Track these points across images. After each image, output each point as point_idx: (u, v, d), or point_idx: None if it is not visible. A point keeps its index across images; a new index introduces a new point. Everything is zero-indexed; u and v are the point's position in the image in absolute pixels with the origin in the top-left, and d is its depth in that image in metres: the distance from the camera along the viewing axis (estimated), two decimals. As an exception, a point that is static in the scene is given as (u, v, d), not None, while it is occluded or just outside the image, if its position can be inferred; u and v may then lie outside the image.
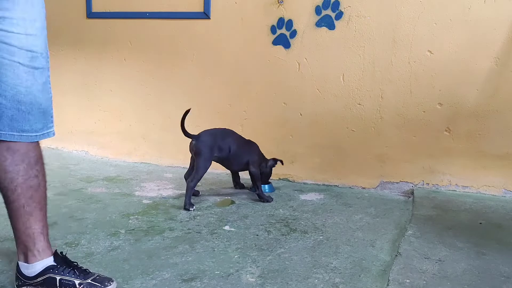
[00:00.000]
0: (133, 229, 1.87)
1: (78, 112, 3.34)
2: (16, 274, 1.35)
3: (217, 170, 2.92)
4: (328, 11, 2.57)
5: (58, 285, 1.29)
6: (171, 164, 3.05)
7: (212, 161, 2.29)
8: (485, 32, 2.30)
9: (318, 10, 2.58)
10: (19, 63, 1.20)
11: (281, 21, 2.68)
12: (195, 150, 2.24)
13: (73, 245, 1.68)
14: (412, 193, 2.44)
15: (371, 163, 2.60)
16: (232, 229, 1.91)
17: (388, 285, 1.37)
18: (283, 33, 2.69)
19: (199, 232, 1.86)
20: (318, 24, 2.60)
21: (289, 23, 2.67)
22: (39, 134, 1.29)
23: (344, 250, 1.70)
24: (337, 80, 2.61)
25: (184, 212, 2.12)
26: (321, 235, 1.86)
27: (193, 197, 2.28)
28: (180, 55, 2.97)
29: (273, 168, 2.48)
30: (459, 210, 2.14)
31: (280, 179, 2.79)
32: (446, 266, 1.52)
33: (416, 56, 2.43)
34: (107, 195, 2.36)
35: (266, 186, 2.57)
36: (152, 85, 3.09)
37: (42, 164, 1.31)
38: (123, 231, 1.85)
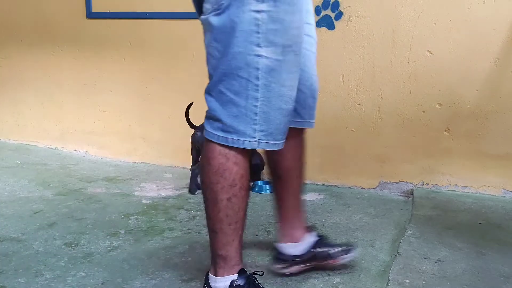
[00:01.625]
0: (132, 229, 1.87)
1: (77, 112, 3.33)
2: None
3: (216, 170, 2.92)
4: (328, 11, 2.57)
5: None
6: (170, 164, 3.04)
7: None
8: (485, 32, 2.30)
9: (317, 10, 2.58)
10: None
11: (280, 21, 2.68)
12: (200, 141, 2.29)
13: (73, 245, 1.68)
14: (412, 193, 2.44)
15: (370, 163, 2.60)
16: (232, 229, 1.91)
17: (387, 285, 1.37)
18: (282, 33, 2.69)
19: (198, 232, 1.86)
20: (318, 24, 2.60)
21: (289, 23, 2.66)
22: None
23: (344, 250, 1.70)
24: (337, 80, 2.61)
25: (184, 212, 2.12)
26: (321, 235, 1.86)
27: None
28: (180, 55, 2.97)
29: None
30: (458, 210, 2.14)
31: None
32: (446, 266, 1.52)
33: (416, 56, 2.43)
34: (107, 195, 2.36)
35: (267, 186, 2.57)
36: (152, 85, 3.09)
37: None
38: (122, 231, 1.84)
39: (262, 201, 2.34)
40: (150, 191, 2.46)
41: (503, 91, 2.33)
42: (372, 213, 2.16)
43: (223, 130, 1.08)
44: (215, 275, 1.20)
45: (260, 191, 2.54)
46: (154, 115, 3.10)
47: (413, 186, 2.53)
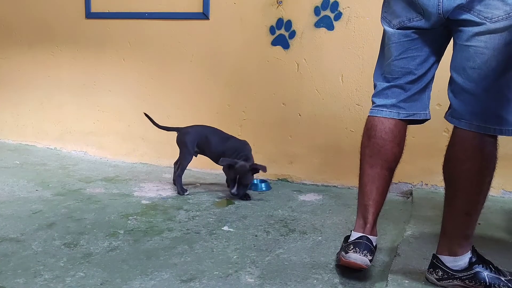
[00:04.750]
0: (132, 230, 1.87)
1: (76, 112, 3.33)
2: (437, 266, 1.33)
3: (215, 171, 2.92)
4: (327, 12, 2.57)
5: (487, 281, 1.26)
6: (170, 164, 3.03)
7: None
8: (484, 33, 2.30)
9: (317, 11, 2.59)
10: None
11: (280, 22, 2.69)
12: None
13: (72, 246, 1.68)
14: (411, 193, 2.45)
15: (370, 164, 2.60)
16: (231, 229, 1.91)
17: (387, 285, 1.37)
18: (282, 34, 2.69)
19: (198, 233, 1.86)
20: (317, 24, 2.60)
21: (288, 24, 2.67)
22: None
23: (343, 251, 1.70)
24: (336, 81, 2.61)
25: (183, 212, 2.12)
26: (320, 236, 1.86)
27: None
28: (179, 56, 2.97)
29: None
30: (457, 211, 2.14)
31: (278, 179, 2.79)
32: (445, 266, 1.52)
33: (415, 56, 2.43)
34: (106, 195, 2.35)
35: (263, 184, 2.57)
36: (151, 86, 3.09)
37: None
38: (122, 232, 1.84)
39: (262, 201, 2.35)
40: (149, 191, 2.46)
41: (502, 91, 2.33)
42: (371, 214, 2.16)
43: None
44: (455, 255, 1.28)
45: (256, 189, 2.55)
46: (154, 115, 3.09)
47: (412, 186, 2.53)
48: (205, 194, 2.45)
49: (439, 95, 2.43)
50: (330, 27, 2.58)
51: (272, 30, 2.71)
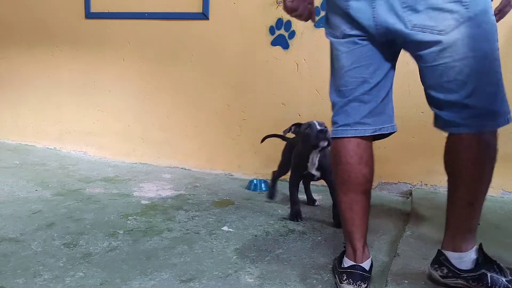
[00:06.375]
0: (131, 230, 1.87)
1: (76, 112, 3.33)
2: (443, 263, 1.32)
3: (215, 171, 2.92)
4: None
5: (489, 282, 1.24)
6: (169, 164, 3.04)
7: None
8: (484, 33, 2.30)
9: (317, 11, 2.59)
10: None
11: (279, 22, 2.69)
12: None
13: (72, 246, 1.68)
14: (411, 194, 2.45)
15: (369, 164, 2.60)
16: (231, 229, 1.91)
17: (386, 285, 1.37)
18: (281, 34, 2.69)
19: (197, 233, 1.86)
20: (317, 24, 2.60)
21: (288, 24, 2.67)
22: None
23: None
24: (336, 81, 2.61)
25: (183, 212, 2.12)
26: (320, 236, 1.86)
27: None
28: (179, 56, 2.97)
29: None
30: (457, 211, 2.14)
31: (278, 179, 2.78)
32: (445, 266, 1.52)
33: (415, 57, 2.43)
34: (106, 195, 2.35)
35: (263, 184, 2.57)
36: (151, 86, 3.09)
37: None
38: (121, 232, 1.84)
39: (261, 201, 2.34)
40: (149, 191, 2.46)
41: (502, 92, 2.33)
42: (371, 214, 2.15)
43: None
44: (460, 251, 1.28)
45: (256, 189, 2.55)
46: (153, 115, 3.10)
47: (412, 186, 2.53)
48: (205, 194, 2.45)
49: (438, 95, 2.45)
50: (330, 27, 2.58)
51: (271, 30, 2.71)
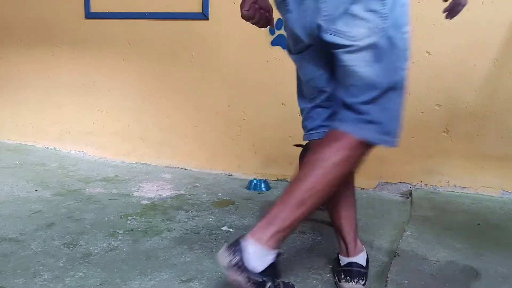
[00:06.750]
0: (131, 230, 1.87)
1: (76, 112, 3.33)
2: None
3: (215, 171, 2.92)
4: (327, 12, 2.57)
5: None
6: (169, 164, 3.04)
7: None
8: (483, 33, 2.30)
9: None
10: None
11: (279, 22, 2.68)
12: None
13: (71, 246, 1.68)
14: (410, 194, 2.45)
15: (369, 164, 2.58)
16: (231, 229, 1.91)
17: (386, 285, 1.37)
18: (281, 34, 2.69)
19: (197, 233, 1.86)
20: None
21: (288, 24, 2.66)
22: None
23: (343, 251, 1.70)
24: (336, 81, 2.61)
25: (183, 212, 2.12)
26: (319, 236, 1.86)
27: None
28: (179, 56, 2.97)
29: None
30: (457, 211, 2.14)
31: (278, 179, 2.79)
32: (444, 267, 1.52)
33: (414, 57, 2.43)
34: (106, 195, 2.35)
35: (263, 184, 2.58)
36: (150, 86, 3.09)
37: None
38: (121, 232, 1.84)
39: (261, 201, 2.35)
40: (148, 191, 2.46)
41: (502, 92, 2.33)
42: (371, 214, 2.16)
43: None
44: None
45: (256, 189, 2.55)
46: (153, 115, 3.10)
47: (411, 186, 2.53)
48: (204, 194, 2.45)
49: (438, 95, 2.45)
50: (330, 28, 2.58)
51: (271, 30, 2.71)
